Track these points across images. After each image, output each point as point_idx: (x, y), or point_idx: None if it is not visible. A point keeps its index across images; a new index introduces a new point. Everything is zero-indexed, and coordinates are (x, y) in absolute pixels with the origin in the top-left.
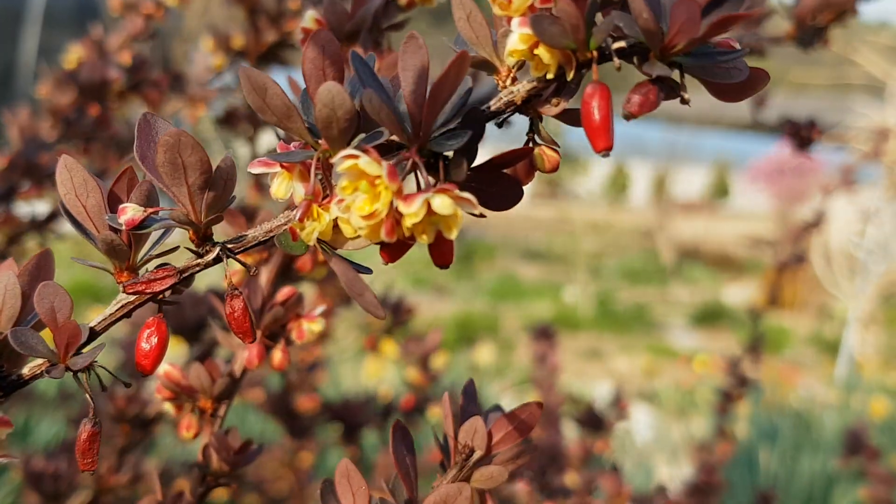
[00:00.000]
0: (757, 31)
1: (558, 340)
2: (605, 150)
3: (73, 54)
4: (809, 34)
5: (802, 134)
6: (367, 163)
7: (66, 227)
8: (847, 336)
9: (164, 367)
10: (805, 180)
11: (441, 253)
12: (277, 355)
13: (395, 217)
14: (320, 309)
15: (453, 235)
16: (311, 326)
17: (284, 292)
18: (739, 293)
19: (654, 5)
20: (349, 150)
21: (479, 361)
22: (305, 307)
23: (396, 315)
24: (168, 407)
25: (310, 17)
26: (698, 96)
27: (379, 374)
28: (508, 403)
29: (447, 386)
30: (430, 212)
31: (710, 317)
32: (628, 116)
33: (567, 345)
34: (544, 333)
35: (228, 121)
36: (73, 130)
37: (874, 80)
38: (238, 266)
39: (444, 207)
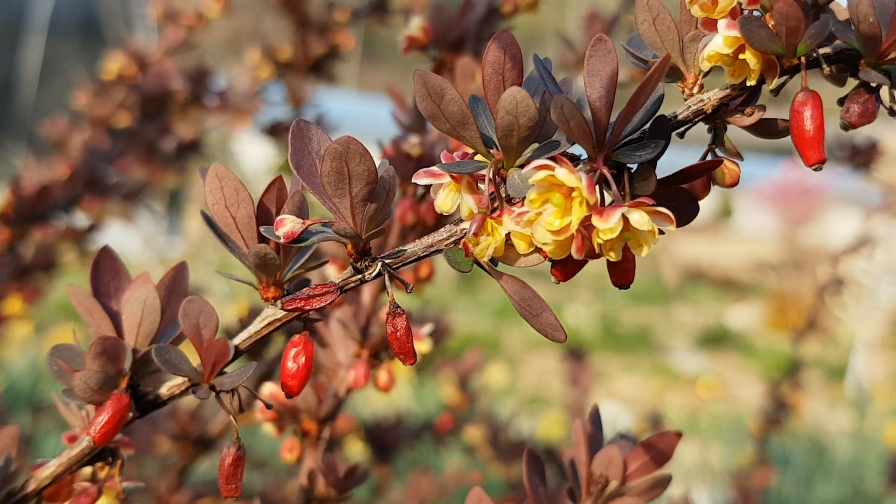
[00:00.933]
0: None
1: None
2: (819, 164)
3: (114, 64)
4: None
5: (863, 156)
6: (565, 174)
7: (101, 240)
8: (854, 361)
9: (269, 388)
10: (810, 202)
11: (624, 271)
12: (383, 376)
13: (582, 232)
14: (428, 328)
15: (644, 253)
16: (419, 346)
17: None
18: (743, 315)
19: (877, 9)
20: (542, 161)
21: (489, 382)
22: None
23: (434, 334)
24: (269, 428)
25: (416, 25)
26: None
27: (389, 395)
28: (521, 422)
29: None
30: (625, 227)
31: (713, 339)
32: (847, 127)
33: None
34: (576, 355)
35: (273, 132)
36: (135, 141)
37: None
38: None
39: (643, 223)
